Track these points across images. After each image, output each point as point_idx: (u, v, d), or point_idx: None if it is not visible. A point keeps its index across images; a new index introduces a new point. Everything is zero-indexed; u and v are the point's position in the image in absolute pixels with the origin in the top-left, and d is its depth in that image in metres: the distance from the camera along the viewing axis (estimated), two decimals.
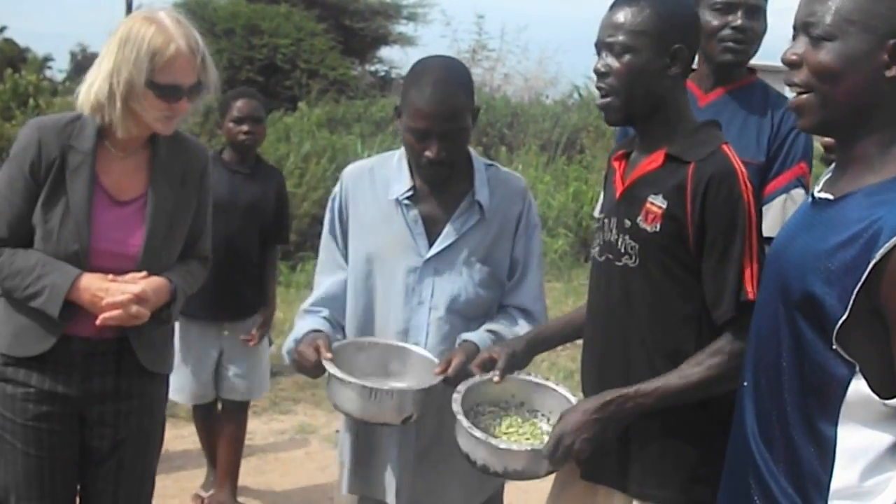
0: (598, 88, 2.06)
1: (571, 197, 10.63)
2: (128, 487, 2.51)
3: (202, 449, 4.30)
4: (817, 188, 1.63)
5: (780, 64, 1.59)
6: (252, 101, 4.03)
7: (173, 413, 4.54)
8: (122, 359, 2.43)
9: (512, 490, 2.77)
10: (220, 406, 4.19)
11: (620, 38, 1.98)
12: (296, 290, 7.68)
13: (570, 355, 6.11)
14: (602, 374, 2.08)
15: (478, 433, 2.03)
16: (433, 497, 2.43)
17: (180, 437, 4.80)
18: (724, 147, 2.00)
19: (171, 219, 2.44)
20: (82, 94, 2.34)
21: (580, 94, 15.74)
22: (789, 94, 1.66)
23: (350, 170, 2.53)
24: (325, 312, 2.44)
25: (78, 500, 2.51)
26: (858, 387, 1.47)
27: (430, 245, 2.38)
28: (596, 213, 2.38)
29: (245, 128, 3.95)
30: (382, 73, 18.66)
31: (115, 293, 2.29)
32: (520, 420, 2.22)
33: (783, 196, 2.56)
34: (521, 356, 2.25)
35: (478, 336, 2.34)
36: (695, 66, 2.26)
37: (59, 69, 25.36)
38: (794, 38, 1.60)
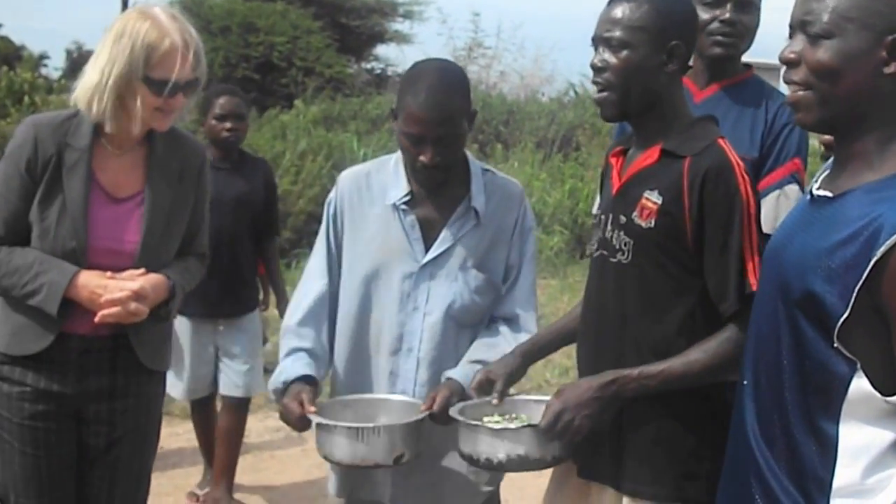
0: (595, 83, 2.06)
1: (567, 194, 10.64)
2: (124, 485, 2.51)
3: (199, 446, 4.29)
4: (815, 185, 1.63)
5: (777, 62, 1.60)
6: (234, 98, 4.00)
7: (168, 411, 4.51)
8: (118, 356, 2.42)
9: (511, 490, 2.76)
10: (219, 403, 4.19)
11: (618, 33, 1.98)
12: (291, 289, 7.63)
13: (565, 352, 6.06)
14: (597, 369, 2.08)
15: (473, 421, 2.05)
16: (427, 500, 2.42)
17: (175, 434, 4.79)
18: (720, 141, 2.00)
19: (169, 216, 2.44)
20: (78, 89, 2.34)
21: (576, 92, 15.75)
22: (785, 89, 1.66)
23: (346, 175, 2.52)
24: (309, 341, 2.39)
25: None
26: (860, 384, 1.47)
27: (427, 250, 2.37)
28: (594, 211, 2.38)
29: (228, 125, 3.93)
30: (378, 71, 18.62)
31: (114, 290, 2.28)
32: (514, 416, 2.21)
33: (777, 192, 2.55)
34: (518, 373, 2.26)
35: (461, 373, 2.31)
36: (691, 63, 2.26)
37: (54, 67, 25.27)
38: (791, 36, 1.60)
